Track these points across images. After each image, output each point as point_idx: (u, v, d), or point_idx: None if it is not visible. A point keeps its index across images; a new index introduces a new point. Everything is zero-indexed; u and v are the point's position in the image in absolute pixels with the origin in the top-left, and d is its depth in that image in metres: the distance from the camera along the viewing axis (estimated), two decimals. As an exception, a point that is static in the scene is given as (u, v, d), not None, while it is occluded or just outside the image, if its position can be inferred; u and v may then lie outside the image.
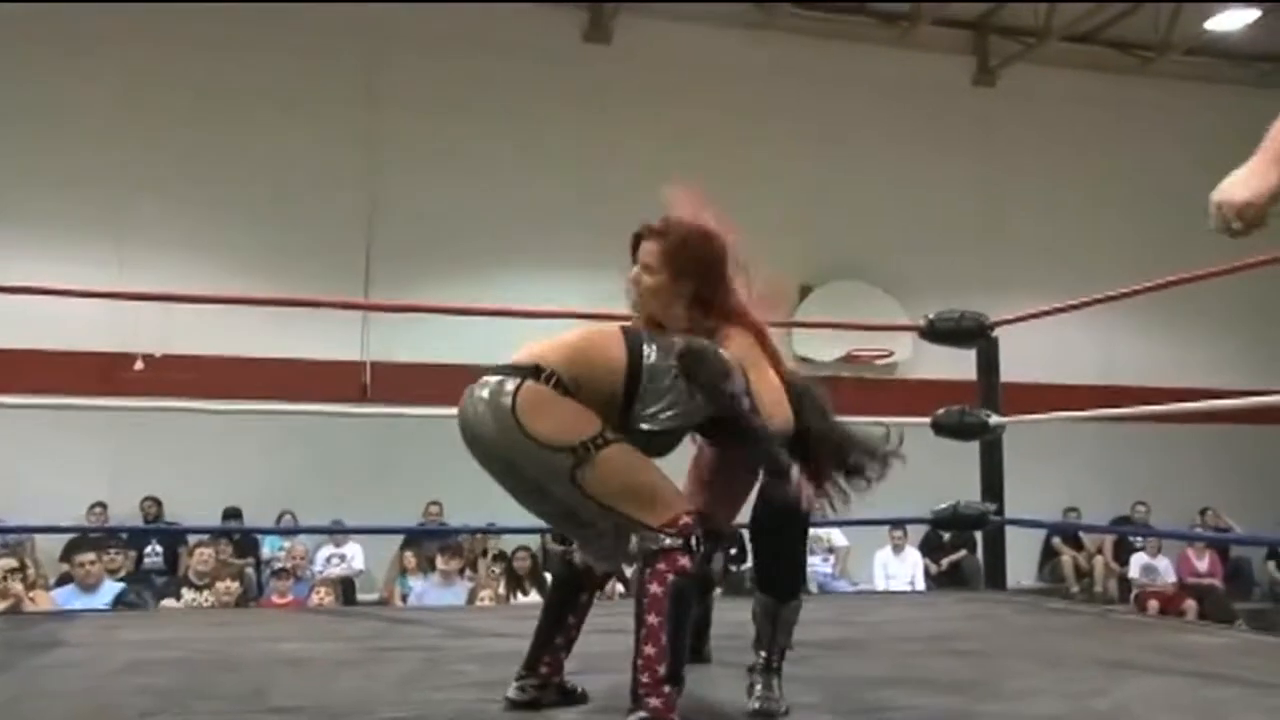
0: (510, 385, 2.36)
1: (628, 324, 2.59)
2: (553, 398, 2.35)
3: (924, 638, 3.82)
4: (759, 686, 2.58)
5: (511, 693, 2.56)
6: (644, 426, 2.42)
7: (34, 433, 8.53)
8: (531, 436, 2.32)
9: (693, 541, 2.33)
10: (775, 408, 2.50)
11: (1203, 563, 9.98)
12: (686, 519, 2.34)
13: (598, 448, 2.33)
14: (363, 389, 9.53)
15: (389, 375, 9.36)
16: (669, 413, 2.43)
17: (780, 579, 2.66)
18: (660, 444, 2.48)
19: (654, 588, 2.29)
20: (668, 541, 2.32)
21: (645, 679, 2.26)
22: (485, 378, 2.42)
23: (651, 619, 2.28)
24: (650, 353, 2.45)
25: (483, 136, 10.11)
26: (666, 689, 2.26)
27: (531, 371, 2.37)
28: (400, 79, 10.09)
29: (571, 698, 2.62)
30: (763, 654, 2.63)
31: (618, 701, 2.36)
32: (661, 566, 2.31)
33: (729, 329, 2.57)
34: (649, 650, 2.27)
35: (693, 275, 2.58)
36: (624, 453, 2.36)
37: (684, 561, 2.31)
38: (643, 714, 2.25)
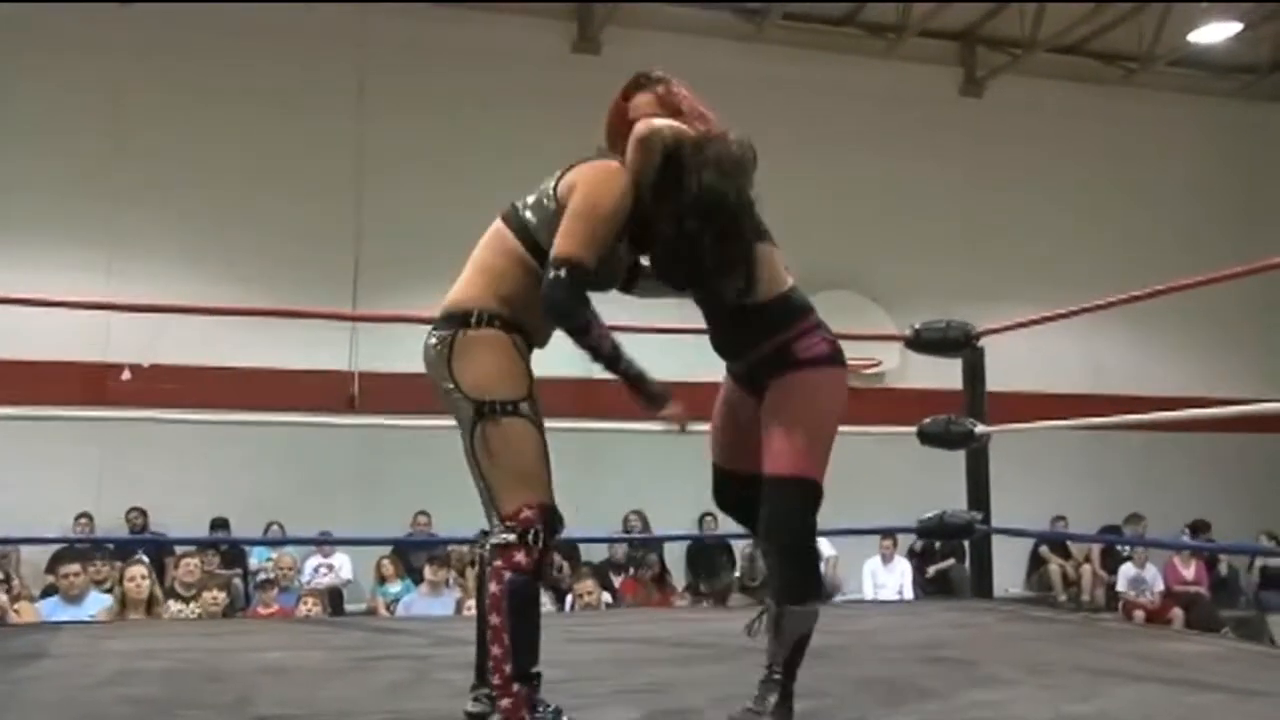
0: (446, 334, 2.43)
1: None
2: (488, 342, 2.40)
3: (907, 646, 3.82)
4: (752, 699, 2.48)
5: (469, 705, 2.53)
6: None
7: (20, 443, 8.48)
8: (455, 380, 2.39)
9: (529, 536, 2.32)
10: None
11: (1189, 571, 10.01)
12: (528, 513, 2.33)
13: (505, 413, 2.37)
14: (351, 399, 9.51)
15: (377, 386, 9.33)
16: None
17: (780, 580, 2.49)
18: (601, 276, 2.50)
19: (493, 586, 2.33)
20: (505, 537, 2.33)
21: (496, 680, 2.30)
22: (433, 326, 2.49)
23: (494, 619, 2.31)
24: (526, 212, 2.52)
25: (472, 146, 10.11)
26: (515, 688, 2.29)
27: (462, 319, 2.42)
28: (390, 88, 10.09)
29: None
30: (765, 664, 2.50)
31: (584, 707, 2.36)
32: (499, 564, 2.33)
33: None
34: (495, 651, 2.30)
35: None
36: (523, 432, 2.38)
37: (519, 558, 2.31)
38: (497, 717, 2.30)
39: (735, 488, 2.66)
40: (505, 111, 10.22)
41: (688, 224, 2.43)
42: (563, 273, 2.34)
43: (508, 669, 2.28)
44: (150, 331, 8.93)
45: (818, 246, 10.93)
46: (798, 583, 2.49)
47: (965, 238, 11.41)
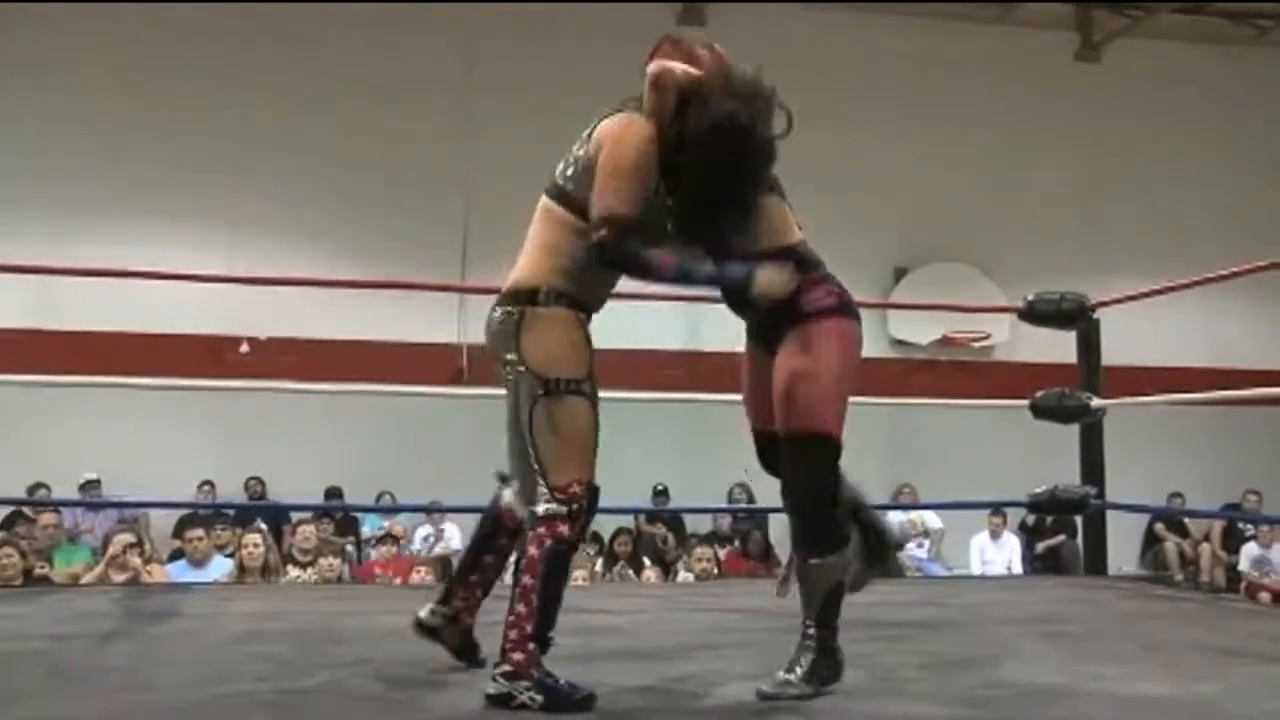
0: (514, 309, 2.51)
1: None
2: (556, 321, 2.48)
3: (1021, 620, 3.77)
4: (784, 667, 2.49)
5: (421, 613, 2.75)
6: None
7: (148, 412, 8.86)
8: (522, 356, 2.48)
9: (573, 509, 2.42)
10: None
11: (1318, 552, 9.63)
12: (577, 488, 2.44)
13: (569, 391, 2.45)
14: (460, 371, 9.68)
15: (486, 358, 9.48)
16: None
17: (801, 535, 2.54)
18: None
19: (532, 550, 2.43)
20: (552, 507, 2.42)
21: (513, 635, 2.39)
22: (498, 301, 2.57)
23: (526, 579, 2.41)
24: (565, 182, 2.58)
25: (577, 122, 10.13)
26: (531, 646, 2.38)
27: (529, 297, 2.50)
28: (497, 65, 10.19)
29: (467, 651, 2.76)
30: (802, 624, 2.52)
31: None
32: (542, 531, 2.43)
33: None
34: (520, 608, 2.40)
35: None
36: (583, 410, 2.46)
37: (563, 529, 2.42)
38: (506, 667, 2.38)
39: (773, 449, 2.65)
40: (612, 83, 10.21)
41: (703, 151, 2.44)
42: (604, 232, 2.42)
43: (528, 628, 2.39)
44: (267, 305, 9.22)
45: (926, 217, 10.77)
46: (818, 535, 2.52)
47: (1078, 208, 11.09)
